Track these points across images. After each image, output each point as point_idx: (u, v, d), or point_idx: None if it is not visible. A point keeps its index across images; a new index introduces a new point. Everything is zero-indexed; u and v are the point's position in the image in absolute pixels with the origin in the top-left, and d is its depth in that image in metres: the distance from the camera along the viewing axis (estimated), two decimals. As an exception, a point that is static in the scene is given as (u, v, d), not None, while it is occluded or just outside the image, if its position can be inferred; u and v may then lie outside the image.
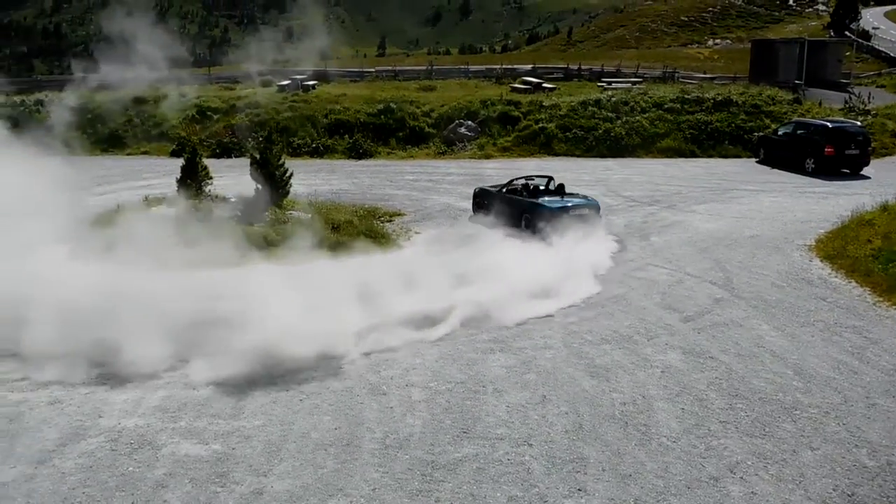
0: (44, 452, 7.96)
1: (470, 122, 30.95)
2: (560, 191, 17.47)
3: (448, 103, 32.50)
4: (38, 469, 7.65)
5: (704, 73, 44.43)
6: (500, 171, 24.38)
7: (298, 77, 36.61)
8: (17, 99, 33.68)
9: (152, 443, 8.15)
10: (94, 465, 7.71)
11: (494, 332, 11.42)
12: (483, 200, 18.79)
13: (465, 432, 8.41)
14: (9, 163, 17.37)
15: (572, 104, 31.72)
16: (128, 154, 30.44)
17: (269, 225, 16.30)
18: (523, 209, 17.13)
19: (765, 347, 10.80)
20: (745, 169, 26.61)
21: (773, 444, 8.12)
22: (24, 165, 18.34)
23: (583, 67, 43.39)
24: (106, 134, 31.26)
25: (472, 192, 19.70)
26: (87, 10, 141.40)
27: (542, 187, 17.93)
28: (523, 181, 18.14)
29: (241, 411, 8.88)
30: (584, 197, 17.75)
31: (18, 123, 30.41)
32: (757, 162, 27.78)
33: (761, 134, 28.77)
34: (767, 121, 30.40)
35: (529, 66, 43.74)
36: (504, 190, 18.13)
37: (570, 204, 16.93)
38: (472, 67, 43.95)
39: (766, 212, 19.51)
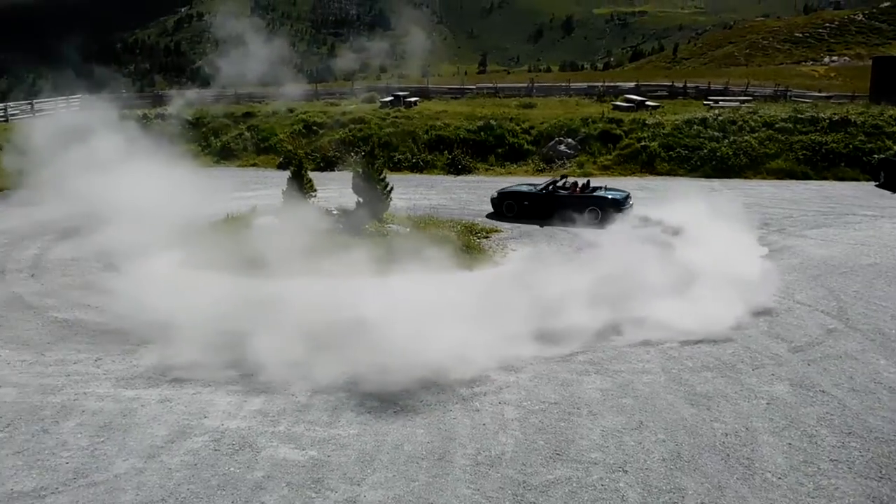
0: (153, 448, 8.39)
1: (570, 140, 30.68)
2: (596, 187, 20.70)
3: (548, 120, 32.33)
4: (148, 463, 8.06)
5: (819, 91, 42.36)
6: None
7: (401, 93, 37.33)
8: (139, 112, 35.81)
9: (252, 445, 8.44)
10: (198, 464, 8.05)
11: (590, 353, 11.22)
12: (514, 201, 20.92)
13: (557, 454, 8.28)
14: (137, 171, 18.57)
15: (676, 122, 30.90)
16: (238, 165, 31.78)
17: (370, 237, 16.63)
18: (588, 203, 19.81)
19: (882, 383, 10.12)
20: (863, 193, 25.15)
21: (890, 488, 7.60)
22: (146, 174, 19.59)
23: (688, 85, 42.25)
24: (219, 146, 32.75)
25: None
26: (205, 30, 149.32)
27: (579, 185, 20.66)
28: (567, 180, 20.98)
29: (337, 420, 9.07)
30: (621, 190, 21.02)
31: (141, 136, 32.48)
32: (877, 186, 26.19)
33: (883, 156, 27.13)
34: (889, 142, 28.61)
35: (632, 84, 42.96)
36: (550, 189, 20.63)
37: (625, 194, 20.45)
38: (574, 85, 43.55)
39: (887, 239, 18.35)
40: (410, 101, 36.43)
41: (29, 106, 34.72)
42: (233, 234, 17.95)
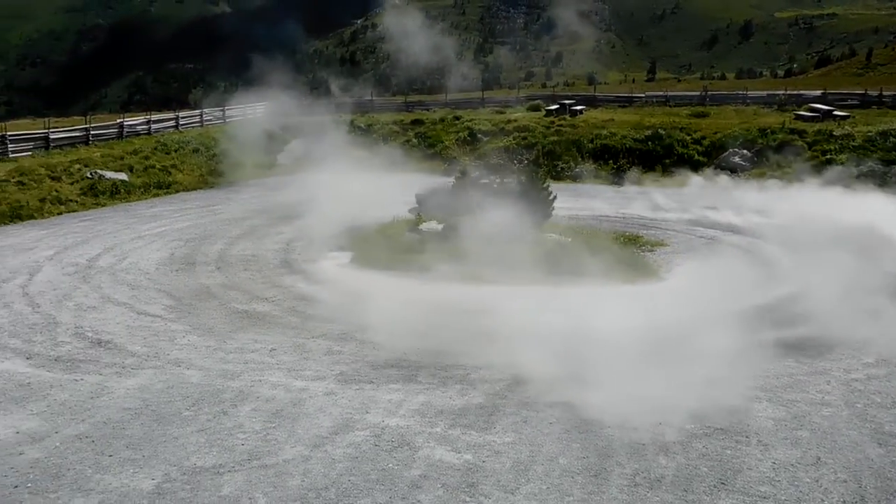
0: (319, 438, 8.81)
1: (745, 152, 29.04)
2: None
3: (722, 130, 30.82)
4: (313, 452, 8.48)
5: None
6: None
7: (566, 102, 37.03)
8: (316, 119, 37.97)
9: (410, 444, 8.64)
10: (360, 457, 8.36)
11: (762, 379, 10.51)
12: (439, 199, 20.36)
13: (722, 483, 7.82)
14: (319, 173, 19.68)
15: (869, 134, 28.37)
16: (405, 172, 32.81)
17: (530, 246, 16.58)
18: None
19: None
20: None
21: None
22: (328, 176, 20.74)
23: (884, 93, 38.66)
24: (387, 153, 34.00)
25: None
26: (379, 40, 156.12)
27: None
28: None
29: (493, 426, 9.10)
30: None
31: (318, 140, 34.41)
32: None
33: None
34: None
35: (818, 92, 39.92)
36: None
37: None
38: (751, 93, 41.18)
39: None
40: (576, 110, 36.05)
41: (221, 112, 37.86)
42: (398, 237, 18.60)
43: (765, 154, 28.54)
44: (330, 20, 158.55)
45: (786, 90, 41.86)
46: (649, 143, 30.33)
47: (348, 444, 8.67)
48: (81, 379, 10.59)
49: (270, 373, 10.81)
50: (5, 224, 21.84)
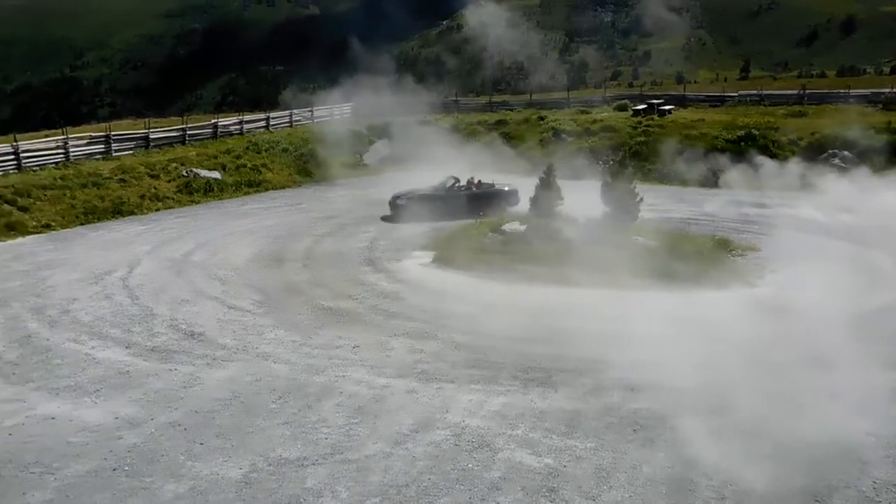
0: (399, 435, 8.90)
1: (846, 153, 27.61)
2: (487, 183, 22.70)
3: (820, 131, 29.42)
4: (394, 449, 8.57)
5: None
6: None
7: (655, 101, 36.16)
8: (401, 119, 38.38)
9: (490, 445, 8.62)
10: (440, 456, 8.39)
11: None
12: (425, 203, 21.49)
13: (816, 501, 7.45)
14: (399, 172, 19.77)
15: (983, 134, 26.52)
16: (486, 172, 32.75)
17: (615, 248, 16.26)
18: (495, 197, 22.06)
19: None
20: None
21: None
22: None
23: None
24: (471, 153, 34.02)
25: None
26: (464, 41, 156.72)
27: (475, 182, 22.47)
28: (459, 181, 22.42)
29: (574, 431, 8.96)
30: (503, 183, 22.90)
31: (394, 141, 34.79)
32: None
33: None
34: None
35: (927, 90, 37.51)
36: (460, 189, 22.19)
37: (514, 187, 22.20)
38: (854, 91, 39.12)
39: None
40: (665, 110, 35.16)
41: (309, 113, 38.75)
42: (480, 237, 18.59)
43: (868, 155, 27.03)
44: (415, 21, 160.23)
45: (892, 88, 39.58)
46: (742, 143, 29.24)
47: (429, 442, 8.71)
48: (175, 369, 11.04)
49: (354, 369, 10.99)
50: (108, 219, 23.01)
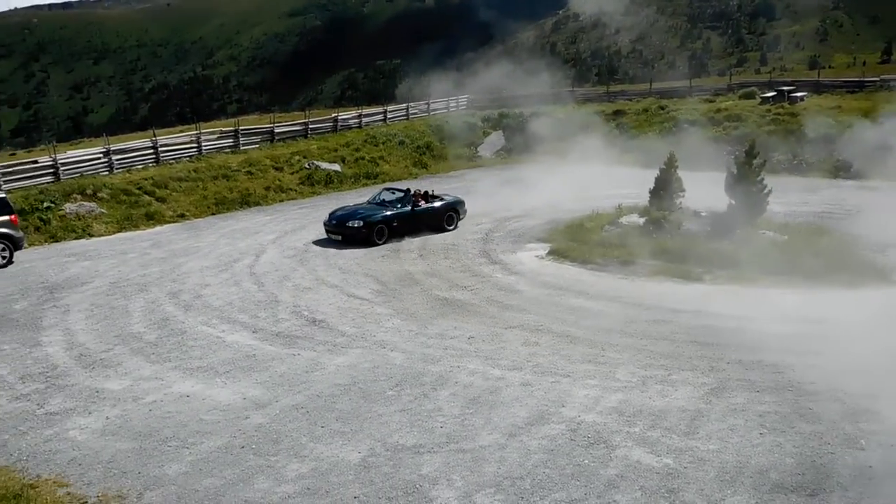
0: (514, 427, 8.88)
1: None
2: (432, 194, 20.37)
3: (975, 117, 26.87)
4: (509, 441, 8.56)
5: None
6: None
7: (785, 88, 34.24)
8: (516, 111, 38.21)
9: (607, 442, 8.44)
10: (555, 450, 8.30)
11: None
12: (385, 225, 18.92)
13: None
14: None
15: None
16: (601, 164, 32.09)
17: (741, 243, 15.55)
18: (447, 210, 20.02)
19: None
20: None
21: None
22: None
23: None
24: (588, 144, 33.48)
25: None
26: (581, 30, 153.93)
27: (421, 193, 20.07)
28: (397, 194, 19.84)
29: (696, 431, 8.64)
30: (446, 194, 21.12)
31: (508, 132, 34.64)
32: None
33: None
34: None
35: None
36: (406, 206, 19.37)
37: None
38: None
39: None
40: (796, 97, 33.20)
41: (426, 105, 39.25)
42: (598, 230, 18.24)
43: None
44: (531, 11, 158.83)
45: None
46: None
47: (543, 436, 8.64)
48: (298, 354, 11.48)
49: (469, 360, 11.05)
50: (236, 209, 24.23)
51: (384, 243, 18.66)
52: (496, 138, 35.75)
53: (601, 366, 10.67)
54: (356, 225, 18.73)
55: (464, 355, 11.25)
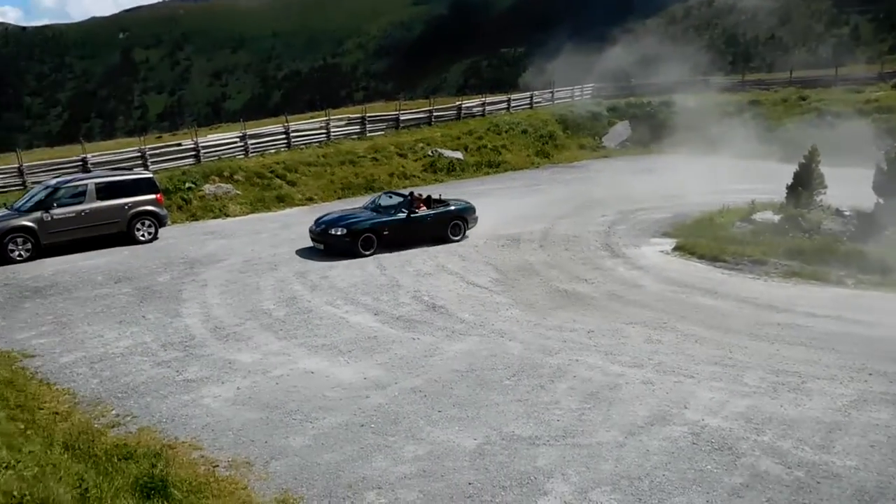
0: (633, 426, 8.64)
1: None
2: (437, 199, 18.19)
3: None
4: (627, 439, 8.34)
5: None
6: None
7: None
8: (643, 100, 37.12)
9: (733, 448, 8.07)
10: (676, 452, 8.02)
11: None
12: (374, 234, 16.80)
13: None
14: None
15: None
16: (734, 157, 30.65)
17: (888, 247, 14.44)
18: (452, 217, 17.83)
19: None
20: None
21: None
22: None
23: None
24: (720, 136, 32.07)
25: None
26: (715, 15, 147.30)
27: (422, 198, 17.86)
28: (395, 198, 17.80)
29: (832, 445, 8.10)
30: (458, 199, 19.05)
31: (635, 122, 33.62)
32: None
33: None
34: None
35: None
36: (401, 212, 17.27)
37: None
38: None
39: None
40: (958, 88, 30.41)
41: (550, 94, 38.82)
42: (728, 226, 17.46)
43: None
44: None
45: None
46: None
47: (664, 437, 8.37)
48: (418, 338, 11.67)
49: (588, 354, 10.87)
50: (361, 194, 24.88)
51: (372, 254, 16.73)
52: (622, 128, 34.90)
53: (728, 368, 10.21)
54: (338, 233, 16.71)
55: (583, 349, 11.07)
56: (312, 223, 17.72)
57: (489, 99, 36.92)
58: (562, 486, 7.40)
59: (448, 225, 17.83)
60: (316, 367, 10.59)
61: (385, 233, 16.92)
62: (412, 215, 17.32)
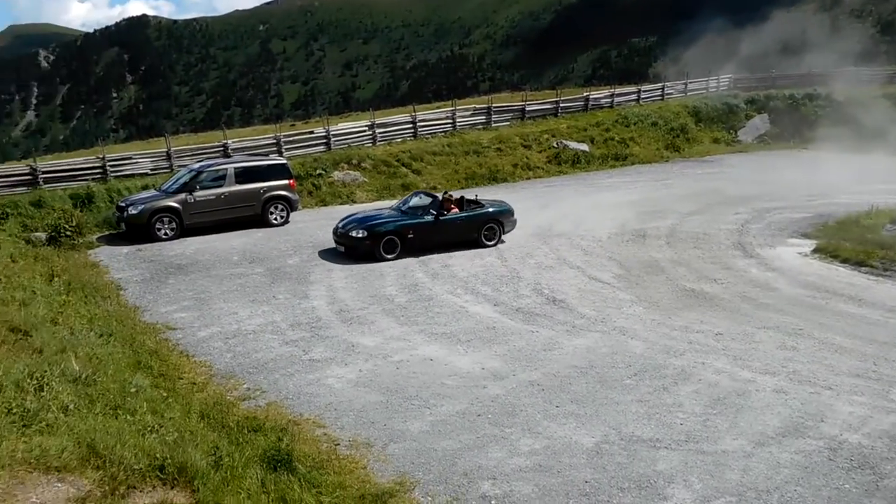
0: (763, 436, 8.19)
1: None
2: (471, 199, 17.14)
3: None
4: (756, 450, 7.92)
5: None
6: None
7: None
8: (785, 92, 35.03)
9: (875, 469, 7.49)
10: (810, 467, 7.54)
11: None
12: (396, 236, 15.80)
13: None
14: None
15: None
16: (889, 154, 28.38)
17: None
18: (484, 220, 16.70)
19: None
20: None
21: None
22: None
23: None
24: (869, 130, 29.79)
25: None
26: (868, 2, 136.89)
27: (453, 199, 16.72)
28: (425, 199, 16.67)
29: None
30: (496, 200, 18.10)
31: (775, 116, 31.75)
32: None
33: None
34: None
35: None
36: (428, 214, 16.19)
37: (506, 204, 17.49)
38: None
39: None
40: None
41: (683, 86, 37.36)
42: (876, 229, 16.23)
43: None
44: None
45: None
46: None
47: (797, 450, 7.89)
48: (536, 331, 11.58)
49: (715, 357, 10.40)
50: (484, 185, 24.99)
51: (395, 258, 15.78)
52: (760, 122, 33.13)
53: (872, 382, 9.48)
54: (358, 235, 15.85)
55: (710, 352, 10.61)
56: (338, 222, 16.97)
57: (618, 90, 36.00)
58: (683, 493, 7.13)
59: (481, 228, 16.73)
60: (435, 355, 10.72)
61: (410, 235, 15.94)
62: (441, 217, 16.23)
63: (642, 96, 35.74)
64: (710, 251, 16.04)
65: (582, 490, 7.20)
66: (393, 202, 19.15)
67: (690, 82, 37.59)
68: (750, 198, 20.67)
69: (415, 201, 16.97)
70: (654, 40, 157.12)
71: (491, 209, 17.00)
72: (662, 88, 37.01)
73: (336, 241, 16.50)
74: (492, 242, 16.76)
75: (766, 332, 11.34)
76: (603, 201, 21.40)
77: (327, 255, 16.49)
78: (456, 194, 17.46)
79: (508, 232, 17.14)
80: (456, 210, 16.56)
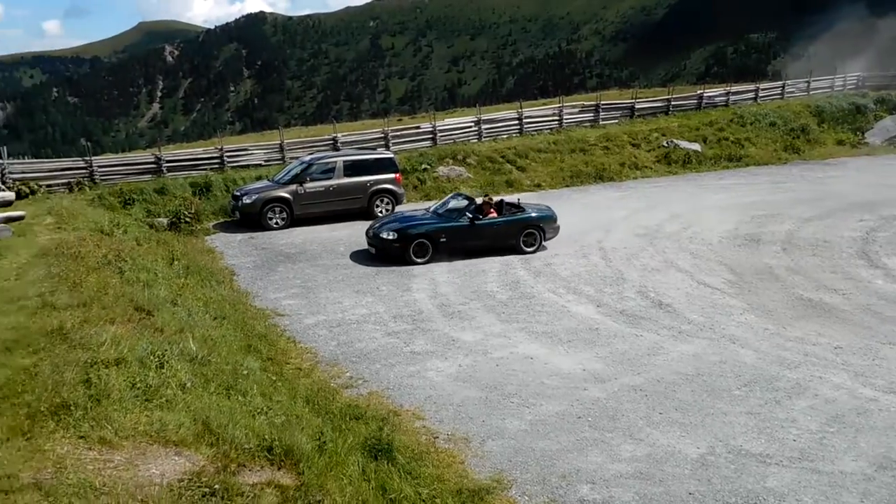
0: (887, 459, 7.68)
1: None
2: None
3: None
4: (878, 473, 7.43)
5: None
6: None
7: None
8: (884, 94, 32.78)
9: None
10: (939, 497, 7.01)
11: None
12: (427, 240, 15.33)
13: None
14: None
15: None
16: None
17: None
18: (523, 226, 16.01)
19: None
20: None
21: None
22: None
23: None
24: None
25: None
26: None
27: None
28: (465, 201, 16.18)
29: None
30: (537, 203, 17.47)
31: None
32: None
33: None
34: None
35: None
36: (463, 217, 15.67)
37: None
38: None
39: None
40: None
41: (805, 84, 35.43)
42: None
43: None
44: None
45: None
46: None
47: (927, 477, 7.34)
48: (641, 335, 11.28)
49: (833, 372, 9.83)
50: (590, 183, 24.56)
51: (426, 262, 15.28)
52: (891, 123, 30.99)
53: None
54: (389, 237, 15.47)
55: (828, 366, 10.03)
56: (373, 222, 16.88)
57: (734, 88, 34.48)
58: (795, 513, 6.78)
59: (520, 234, 16.00)
60: (535, 353, 10.63)
61: (442, 239, 15.43)
62: (477, 221, 15.70)
63: (760, 95, 34.08)
64: (830, 259, 15.16)
65: (685, 501, 6.97)
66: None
67: (814, 80, 35.57)
68: (876, 204, 19.38)
69: (452, 203, 16.52)
70: (774, 36, 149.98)
71: (532, 214, 16.37)
72: (783, 86, 35.18)
73: (368, 243, 16.25)
74: (531, 249, 16.09)
75: (892, 348, 10.62)
76: (714, 203, 20.58)
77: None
78: (496, 198, 17.04)
79: (550, 239, 16.44)
80: (494, 214, 16.11)
